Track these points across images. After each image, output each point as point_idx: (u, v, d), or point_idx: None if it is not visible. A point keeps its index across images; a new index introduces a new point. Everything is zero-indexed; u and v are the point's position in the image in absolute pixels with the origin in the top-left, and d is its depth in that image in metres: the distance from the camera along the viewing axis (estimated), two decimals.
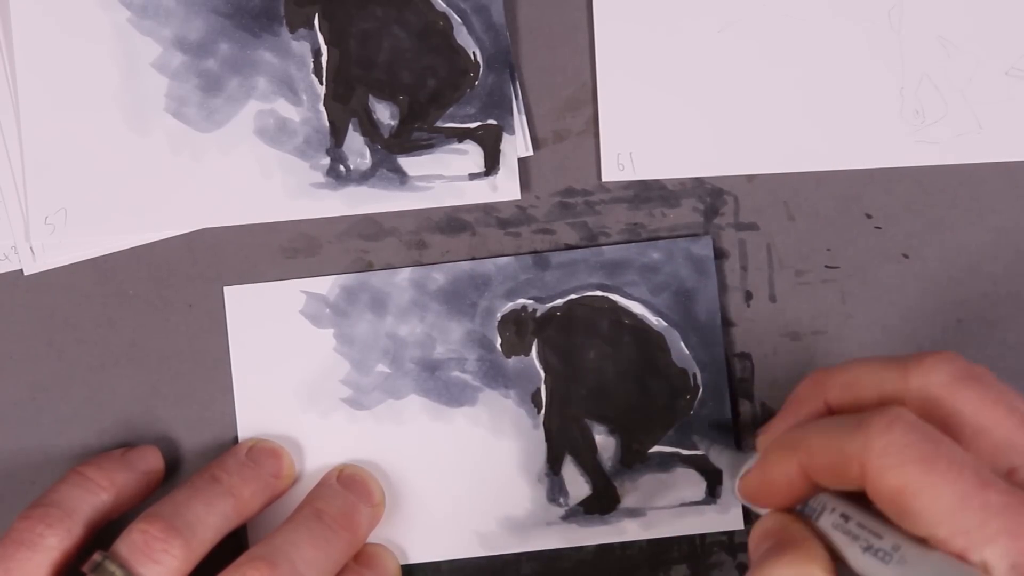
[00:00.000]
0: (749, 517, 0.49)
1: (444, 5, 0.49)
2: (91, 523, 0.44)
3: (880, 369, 0.38)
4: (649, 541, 0.49)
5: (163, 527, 0.43)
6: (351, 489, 0.47)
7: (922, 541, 0.34)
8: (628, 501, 0.49)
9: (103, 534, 0.45)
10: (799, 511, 0.38)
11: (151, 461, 0.47)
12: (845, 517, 0.36)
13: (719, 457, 0.45)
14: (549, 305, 0.49)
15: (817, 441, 0.36)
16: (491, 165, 0.49)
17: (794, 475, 0.37)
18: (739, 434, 0.49)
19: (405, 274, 0.49)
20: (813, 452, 0.36)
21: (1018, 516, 0.33)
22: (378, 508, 0.48)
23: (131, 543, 0.43)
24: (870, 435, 0.34)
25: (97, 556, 0.43)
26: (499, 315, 0.49)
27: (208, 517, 0.44)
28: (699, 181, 0.50)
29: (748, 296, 0.50)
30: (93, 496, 0.45)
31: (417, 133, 0.49)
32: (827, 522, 0.37)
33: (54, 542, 0.43)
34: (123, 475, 0.46)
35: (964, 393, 0.36)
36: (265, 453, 0.48)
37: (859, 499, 0.36)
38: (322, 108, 0.49)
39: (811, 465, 0.36)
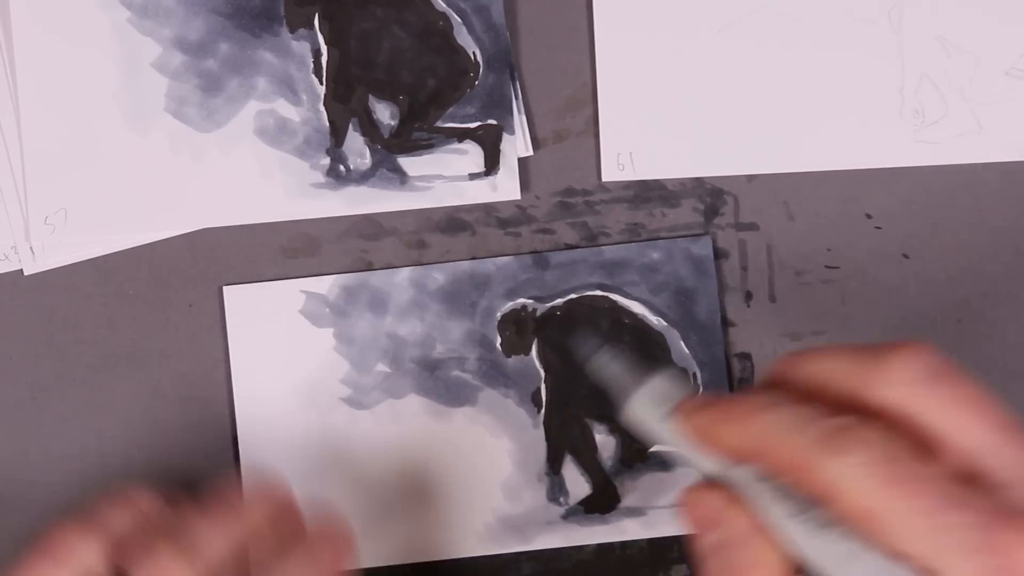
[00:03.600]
0: None
1: (444, 5, 0.49)
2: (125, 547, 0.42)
3: (850, 361, 0.37)
4: (649, 540, 0.49)
5: (174, 553, 0.41)
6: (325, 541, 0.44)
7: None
8: (628, 500, 0.49)
9: None
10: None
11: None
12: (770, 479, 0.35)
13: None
14: (549, 304, 0.49)
15: (782, 437, 0.35)
16: (491, 165, 0.49)
17: (747, 447, 0.36)
18: None
19: (405, 274, 0.49)
20: (776, 445, 0.35)
21: (980, 532, 0.32)
22: (350, 543, 0.44)
23: (146, 572, 0.42)
24: (837, 455, 0.34)
25: None
26: (499, 314, 0.49)
27: (216, 541, 0.43)
28: (699, 181, 0.50)
29: (748, 296, 0.50)
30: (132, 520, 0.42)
31: (417, 133, 0.49)
32: (747, 476, 0.36)
33: (88, 559, 0.41)
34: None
35: (932, 395, 0.35)
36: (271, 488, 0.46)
37: None
38: (322, 108, 0.49)
39: (769, 454, 0.35)
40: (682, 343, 0.49)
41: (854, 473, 0.33)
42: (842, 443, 0.34)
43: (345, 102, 0.49)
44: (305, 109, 0.49)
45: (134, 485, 0.46)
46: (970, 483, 0.34)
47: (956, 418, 0.35)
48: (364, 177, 0.49)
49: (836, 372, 0.37)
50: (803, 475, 0.34)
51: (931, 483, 0.33)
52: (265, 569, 0.43)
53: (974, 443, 0.34)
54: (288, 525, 0.45)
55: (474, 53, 0.49)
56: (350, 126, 0.49)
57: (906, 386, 0.35)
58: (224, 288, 0.49)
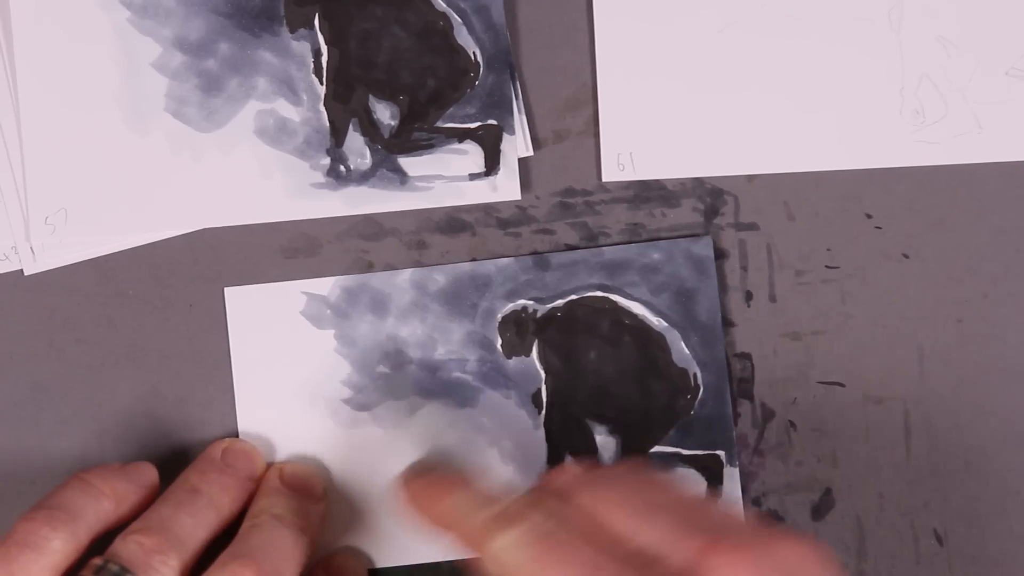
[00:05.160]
0: (749, 516, 0.49)
1: (444, 5, 0.49)
2: (93, 529, 0.44)
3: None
4: None
5: (159, 539, 0.43)
6: (296, 489, 0.47)
7: None
8: None
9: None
10: None
11: (148, 476, 0.47)
12: None
13: None
14: (549, 306, 0.49)
15: (462, 516, 0.41)
16: (491, 165, 0.49)
17: (440, 521, 0.42)
18: (739, 434, 0.49)
19: (406, 275, 0.49)
20: (459, 522, 0.41)
21: None
22: (322, 504, 0.48)
23: (130, 552, 0.43)
24: (497, 533, 0.38)
25: (98, 560, 0.43)
26: (500, 316, 0.49)
27: (196, 531, 0.44)
28: (699, 181, 0.50)
29: (748, 296, 0.50)
30: (96, 502, 0.44)
31: (417, 133, 0.49)
32: None
33: (58, 545, 0.43)
34: (123, 485, 0.45)
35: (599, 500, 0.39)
36: (240, 456, 0.48)
37: None
38: (322, 108, 0.49)
39: (455, 530, 0.41)
40: (683, 343, 0.49)
41: (510, 548, 0.38)
42: (504, 522, 0.38)
43: (345, 102, 0.49)
44: (305, 109, 0.49)
45: (102, 467, 0.46)
46: (646, 567, 0.36)
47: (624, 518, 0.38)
48: (364, 177, 0.49)
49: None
50: (479, 550, 0.39)
51: (580, 556, 0.37)
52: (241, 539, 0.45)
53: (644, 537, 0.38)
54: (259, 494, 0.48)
55: (474, 53, 0.49)
56: (350, 126, 0.49)
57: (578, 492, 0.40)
58: (226, 289, 0.49)
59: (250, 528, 0.45)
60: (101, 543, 0.44)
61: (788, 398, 0.50)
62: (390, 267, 0.50)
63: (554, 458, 0.49)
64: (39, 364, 0.49)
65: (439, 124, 0.49)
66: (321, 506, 0.48)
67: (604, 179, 0.50)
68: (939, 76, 0.50)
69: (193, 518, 0.44)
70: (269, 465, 0.49)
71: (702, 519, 0.38)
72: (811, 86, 0.50)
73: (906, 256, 0.50)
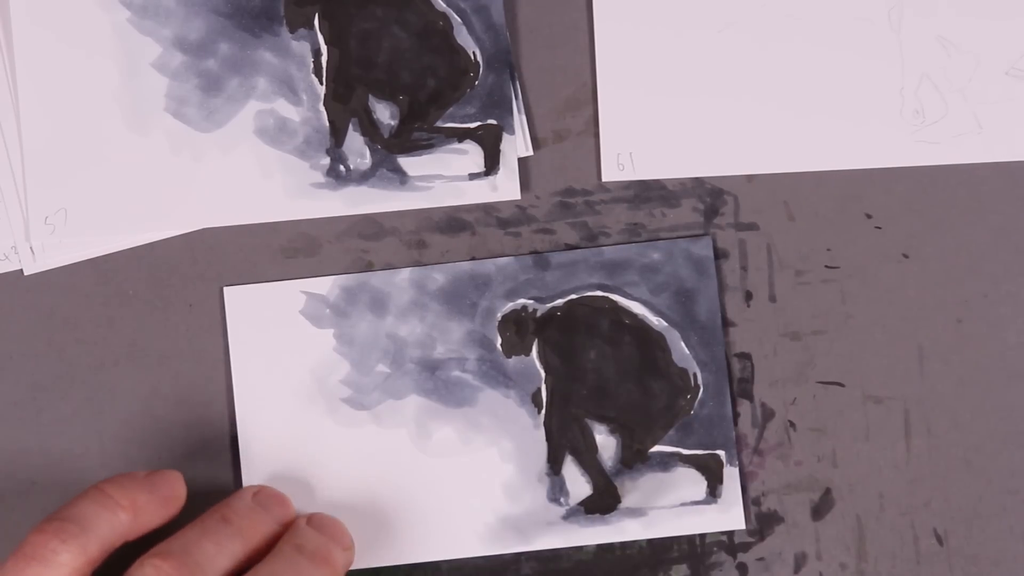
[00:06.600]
0: (749, 516, 0.49)
1: (444, 5, 0.49)
2: (106, 542, 0.43)
3: None
4: (649, 541, 0.49)
5: (176, 564, 0.42)
6: (324, 531, 0.47)
7: None
8: (629, 501, 0.49)
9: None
10: None
11: (174, 486, 0.46)
12: None
13: None
14: (549, 305, 0.49)
15: None
16: (491, 165, 0.49)
17: None
18: (739, 434, 0.49)
19: (405, 274, 0.49)
20: None
21: None
22: (350, 552, 0.47)
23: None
24: None
25: None
26: (499, 315, 0.49)
27: (218, 558, 0.43)
28: (699, 181, 0.50)
29: (748, 296, 0.50)
30: (111, 515, 0.43)
31: (417, 133, 0.49)
32: None
33: (66, 559, 0.42)
34: (144, 496, 0.44)
35: None
36: (273, 499, 0.47)
37: None
38: (322, 108, 0.49)
39: None
40: (683, 343, 0.49)
41: None
42: None
43: (345, 102, 0.49)
44: (305, 109, 0.49)
45: (123, 480, 0.46)
46: None
47: None
48: (364, 177, 0.49)
49: None
50: None
51: None
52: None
53: None
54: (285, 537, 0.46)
55: (474, 53, 0.49)
56: (350, 126, 0.49)
57: None
58: (225, 289, 0.49)
59: (269, 558, 0.44)
60: (125, 554, 0.44)
61: (788, 398, 0.50)
62: (390, 267, 0.50)
63: (554, 457, 0.49)
64: (39, 364, 0.49)
65: (439, 124, 0.49)
66: (348, 554, 0.47)
67: (604, 179, 0.50)
68: (939, 76, 0.50)
69: (217, 545, 0.44)
70: None
71: None
72: (811, 86, 0.50)
73: (906, 256, 0.50)
